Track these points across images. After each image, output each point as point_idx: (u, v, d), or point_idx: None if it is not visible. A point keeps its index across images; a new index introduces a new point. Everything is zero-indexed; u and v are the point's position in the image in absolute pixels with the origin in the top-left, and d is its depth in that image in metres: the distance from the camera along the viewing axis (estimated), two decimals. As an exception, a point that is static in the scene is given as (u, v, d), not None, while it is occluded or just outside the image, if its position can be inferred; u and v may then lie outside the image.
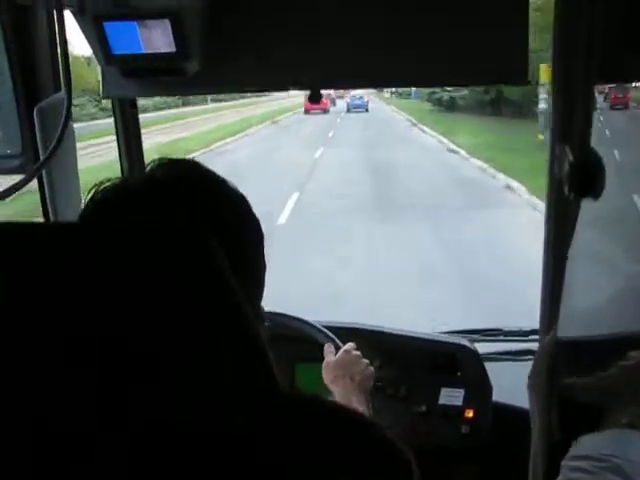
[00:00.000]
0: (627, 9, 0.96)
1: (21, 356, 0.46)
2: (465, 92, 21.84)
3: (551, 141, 0.73)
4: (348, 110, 27.26)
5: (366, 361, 1.29)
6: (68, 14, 1.18)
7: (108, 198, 0.65)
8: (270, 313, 1.36)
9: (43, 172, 1.25)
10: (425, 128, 21.04)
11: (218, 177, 0.69)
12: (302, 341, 1.40)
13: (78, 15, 1.16)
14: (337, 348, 1.33)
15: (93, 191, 0.66)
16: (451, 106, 23.89)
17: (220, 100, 31.46)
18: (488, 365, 1.54)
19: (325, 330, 1.39)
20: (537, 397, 0.81)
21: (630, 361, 0.90)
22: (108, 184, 0.66)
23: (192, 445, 0.48)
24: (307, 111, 26.43)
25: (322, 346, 1.36)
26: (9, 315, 0.46)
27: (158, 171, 0.68)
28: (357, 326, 1.58)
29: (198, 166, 0.69)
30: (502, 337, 1.76)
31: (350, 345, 1.32)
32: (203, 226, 0.49)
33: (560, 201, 0.70)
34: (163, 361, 0.47)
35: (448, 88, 16.97)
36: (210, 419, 0.48)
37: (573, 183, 0.62)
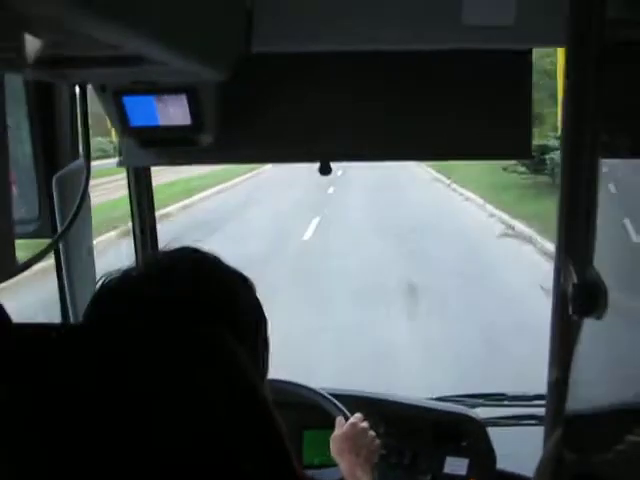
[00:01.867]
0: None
1: None
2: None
3: (556, 253, 0.74)
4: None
5: (373, 434, 1.29)
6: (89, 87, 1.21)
7: (117, 290, 0.68)
8: (279, 381, 1.36)
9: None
10: None
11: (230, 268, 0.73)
12: (310, 408, 1.41)
13: (99, 90, 1.19)
14: (346, 418, 1.33)
15: (101, 281, 0.69)
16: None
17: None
18: (491, 430, 1.54)
19: (333, 400, 1.39)
20: None
21: None
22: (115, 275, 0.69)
23: None
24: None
25: (330, 413, 1.37)
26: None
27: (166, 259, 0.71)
28: (362, 394, 1.58)
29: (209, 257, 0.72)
30: (506, 402, 1.76)
31: (357, 417, 1.32)
32: (225, 330, 0.52)
33: (564, 317, 0.71)
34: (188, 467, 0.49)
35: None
36: None
37: (576, 304, 0.63)
